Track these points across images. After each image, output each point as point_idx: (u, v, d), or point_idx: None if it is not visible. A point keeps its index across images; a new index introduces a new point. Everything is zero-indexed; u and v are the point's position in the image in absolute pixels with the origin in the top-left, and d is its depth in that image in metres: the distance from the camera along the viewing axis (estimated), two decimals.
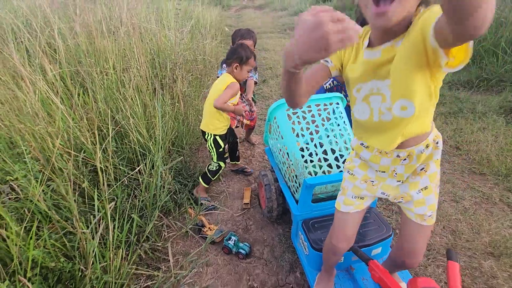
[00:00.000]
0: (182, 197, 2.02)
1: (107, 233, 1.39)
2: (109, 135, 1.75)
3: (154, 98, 2.42)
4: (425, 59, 0.69)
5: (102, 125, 2.02)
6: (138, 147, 2.00)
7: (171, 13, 4.27)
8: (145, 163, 1.88)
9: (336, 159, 1.57)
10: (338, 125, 1.64)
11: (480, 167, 2.31)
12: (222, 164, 2.04)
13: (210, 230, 1.79)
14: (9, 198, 1.34)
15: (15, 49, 1.99)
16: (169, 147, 2.37)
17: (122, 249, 1.41)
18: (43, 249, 1.21)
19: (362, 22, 0.85)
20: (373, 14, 0.67)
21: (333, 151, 1.57)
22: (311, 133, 1.63)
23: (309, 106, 1.65)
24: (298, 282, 1.52)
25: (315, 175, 1.51)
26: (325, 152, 1.57)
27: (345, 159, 1.52)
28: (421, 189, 0.93)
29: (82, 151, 1.70)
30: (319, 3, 9.95)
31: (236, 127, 2.46)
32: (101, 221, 1.42)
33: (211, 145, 1.98)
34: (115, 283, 1.33)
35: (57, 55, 2.39)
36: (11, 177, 1.36)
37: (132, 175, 1.81)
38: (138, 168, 1.77)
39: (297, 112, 1.64)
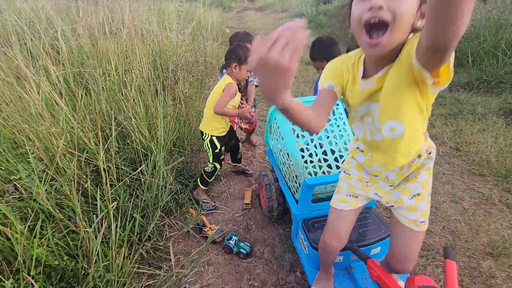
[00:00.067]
0: (183, 197, 2.04)
1: (110, 232, 1.41)
2: (111, 135, 1.77)
3: (156, 99, 2.44)
4: (413, 80, 0.72)
5: (104, 126, 2.03)
6: (140, 148, 2.01)
7: (173, 14, 4.31)
8: (147, 164, 1.89)
9: (336, 159, 1.58)
10: (338, 126, 1.65)
11: (479, 168, 2.32)
12: (217, 165, 2.05)
13: (211, 230, 1.80)
14: (13, 198, 1.36)
15: (19, 51, 2.01)
16: (171, 147, 2.39)
17: (124, 248, 1.42)
18: (46, 248, 1.22)
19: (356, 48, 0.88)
20: (366, 44, 0.71)
21: (333, 152, 1.59)
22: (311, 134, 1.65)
23: None
24: (298, 282, 1.53)
25: (315, 175, 1.53)
26: (325, 153, 1.59)
27: (344, 160, 1.53)
28: (414, 196, 0.95)
29: (85, 151, 1.73)
30: (320, 5, 9.97)
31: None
32: (103, 220, 1.44)
33: (207, 145, 2.00)
34: (118, 281, 1.34)
35: (60, 56, 2.41)
36: (15, 177, 1.38)
37: (134, 175, 1.82)
38: (140, 169, 1.79)
39: None
